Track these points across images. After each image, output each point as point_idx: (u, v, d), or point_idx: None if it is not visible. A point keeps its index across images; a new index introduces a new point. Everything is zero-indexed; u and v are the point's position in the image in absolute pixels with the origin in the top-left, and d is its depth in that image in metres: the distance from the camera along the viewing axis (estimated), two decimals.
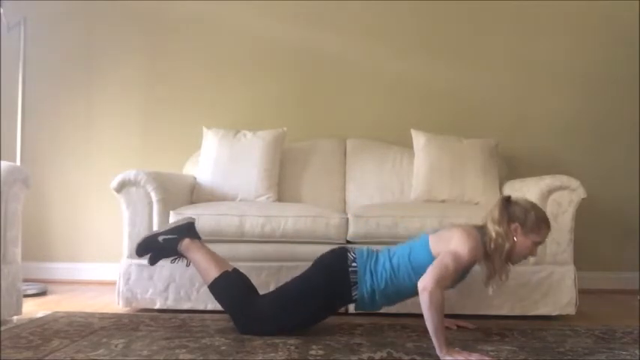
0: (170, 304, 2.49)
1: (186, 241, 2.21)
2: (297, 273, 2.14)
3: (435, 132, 3.01)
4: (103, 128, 3.43)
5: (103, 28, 3.46)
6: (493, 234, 1.93)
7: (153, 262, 2.27)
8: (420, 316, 1.82)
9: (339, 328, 2.17)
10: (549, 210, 2.42)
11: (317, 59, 3.40)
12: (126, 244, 2.53)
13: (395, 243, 2.16)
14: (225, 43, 3.43)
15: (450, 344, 1.81)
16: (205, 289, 2.27)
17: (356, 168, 3.09)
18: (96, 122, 3.43)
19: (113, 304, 2.57)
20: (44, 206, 3.38)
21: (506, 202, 1.99)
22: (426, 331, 1.82)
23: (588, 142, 3.35)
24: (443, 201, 2.83)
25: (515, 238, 1.95)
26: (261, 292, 2.18)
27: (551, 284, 2.45)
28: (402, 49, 3.40)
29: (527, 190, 2.58)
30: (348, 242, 2.50)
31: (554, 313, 2.44)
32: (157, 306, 2.49)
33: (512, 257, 1.98)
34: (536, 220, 1.97)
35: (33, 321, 2.24)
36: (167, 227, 2.28)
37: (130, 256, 2.51)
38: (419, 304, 1.82)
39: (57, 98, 3.44)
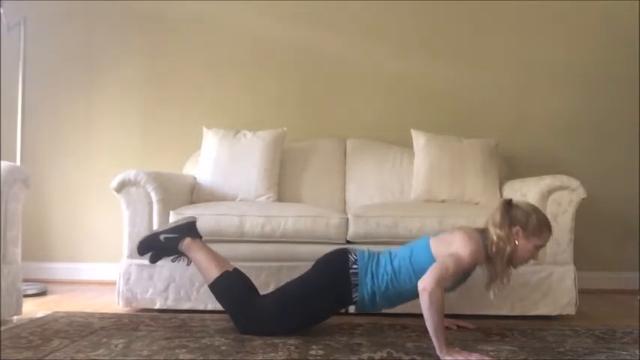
0: (170, 304, 2.49)
1: (188, 241, 2.21)
2: (297, 273, 2.14)
3: (435, 132, 3.01)
4: (103, 128, 3.43)
5: (103, 28, 3.46)
6: (494, 237, 1.93)
7: (154, 260, 2.27)
8: (420, 316, 1.82)
9: (339, 328, 2.17)
10: (549, 210, 2.43)
11: (317, 59, 3.40)
12: (126, 244, 2.53)
13: (395, 243, 2.16)
14: (225, 43, 3.43)
15: (450, 344, 1.81)
16: (205, 289, 2.27)
17: (356, 168, 3.09)
18: (96, 122, 3.43)
19: (113, 304, 2.57)
20: (44, 206, 3.38)
21: (508, 205, 1.98)
22: (425, 331, 1.82)
23: (588, 142, 3.35)
24: (443, 201, 2.83)
25: (516, 242, 1.94)
26: (262, 292, 2.18)
27: (551, 284, 2.45)
28: (402, 49, 3.40)
29: (527, 190, 2.58)
30: (348, 242, 2.50)
31: (554, 313, 2.44)
32: (157, 306, 2.49)
33: (513, 261, 1.98)
34: (537, 224, 1.97)
35: (33, 321, 2.24)
36: (168, 226, 2.28)
37: (130, 256, 2.51)
38: (419, 305, 1.82)
39: (57, 98, 3.44)
